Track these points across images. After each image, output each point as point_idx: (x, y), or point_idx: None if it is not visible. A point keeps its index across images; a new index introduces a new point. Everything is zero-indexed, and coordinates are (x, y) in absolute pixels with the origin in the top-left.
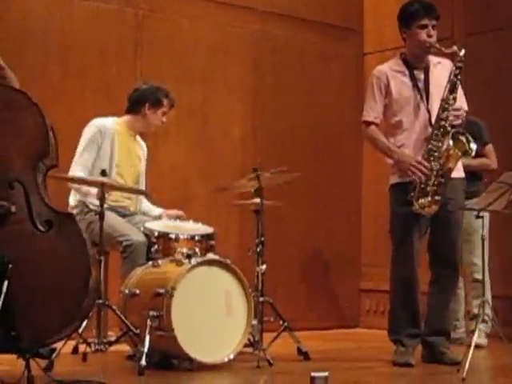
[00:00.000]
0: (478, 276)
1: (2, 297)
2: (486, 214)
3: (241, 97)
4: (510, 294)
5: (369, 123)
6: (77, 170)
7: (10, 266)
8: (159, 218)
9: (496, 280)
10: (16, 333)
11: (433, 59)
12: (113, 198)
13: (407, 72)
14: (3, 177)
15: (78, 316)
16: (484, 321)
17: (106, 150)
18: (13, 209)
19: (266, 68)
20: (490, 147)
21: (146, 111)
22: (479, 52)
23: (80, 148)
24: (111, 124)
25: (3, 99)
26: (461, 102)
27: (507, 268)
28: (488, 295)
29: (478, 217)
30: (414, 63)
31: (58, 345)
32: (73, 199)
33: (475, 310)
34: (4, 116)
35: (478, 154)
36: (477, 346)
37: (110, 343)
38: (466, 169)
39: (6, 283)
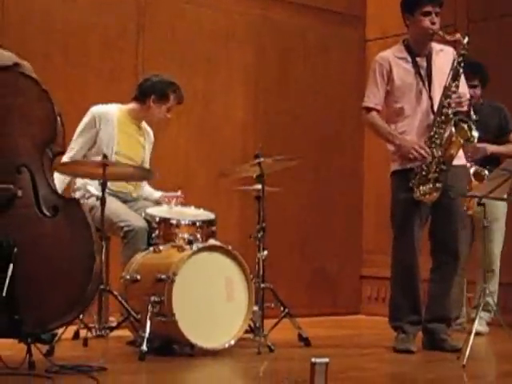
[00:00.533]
0: (495, 266)
1: (8, 280)
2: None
3: (243, 83)
4: None
5: (369, 109)
6: (66, 156)
7: (16, 249)
8: (158, 201)
9: (504, 267)
10: (19, 317)
11: (435, 46)
12: (115, 184)
13: (410, 59)
14: (10, 161)
15: (80, 302)
16: (486, 309)
17: (104, 136)
18: (19, 193)
19: (268, 54)
20: None
21: (150, 103)
22: (482, 39)
23: (75, 134)
24: (113, 111)
25: (12, 84)
26: (463, 89)
27: None
28: (496, 284)
29: (479, 204)
30: (417, 50)
31: (59, 330)
32: (78, 181)
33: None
34: (13, 101)
35: (503, 141)
36: (477, 334)
37: (111, 328)
38: (492, 157)
39: (11, 267)
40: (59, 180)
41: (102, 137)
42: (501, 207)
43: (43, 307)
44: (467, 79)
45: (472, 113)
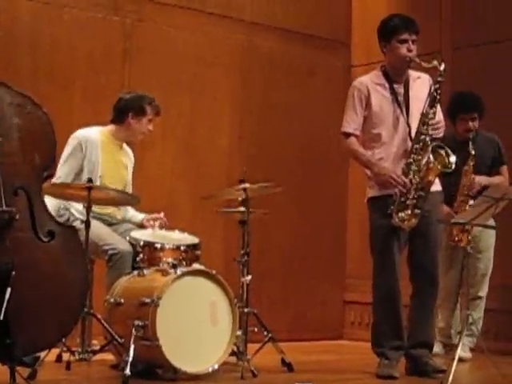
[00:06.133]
0: (481, 293)
1: (5, 304)
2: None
3: (228, 107)
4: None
5: (348, 134)
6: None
7: (14, 273)
8: (141, 224)
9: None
10: (11, 340)
11: (413, 74)
12: (99, 206)
13: (387, 85)
14: (9, 183)
15: (72, 328)
16: (470, 335)
17: (90, 161)
18: (16, 216)
19: (253, 79)
20: (505, 167)
21: (129, 120)
22: (466, 66)
23: (61, 161)
24: (95, 134)
25: (13, 104)
26: (439, 116)
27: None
28: (481, 311)
29: (463, 231)
30: (394, 77)
31: (42, 353)
32: (52, 207)
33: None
34: (13, 122)
35: (494, 173)
36: (460, 360)
37: (94, 352)
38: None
39: (9, 290)
40: (51, 204)
41: (89, 161)
42: (492, 236)
43: (35, 333)
44: (466, 113)
45: (471, 146)
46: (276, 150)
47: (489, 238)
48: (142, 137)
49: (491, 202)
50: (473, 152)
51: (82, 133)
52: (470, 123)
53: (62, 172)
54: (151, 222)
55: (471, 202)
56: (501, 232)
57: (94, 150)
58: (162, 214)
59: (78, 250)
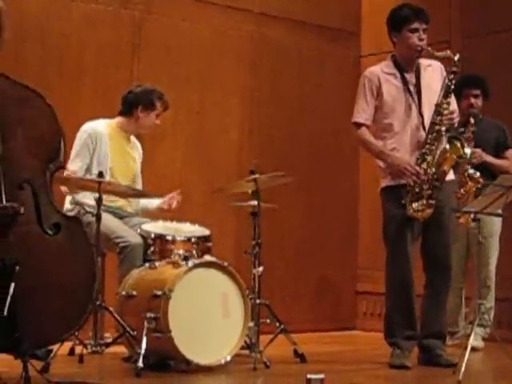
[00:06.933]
0: (489, 282)
1: (9, 299)
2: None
3: (238, 99)
4: None
5: (359, 125)
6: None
7: (18, 268)
8: (160, 208)
9: (499, 283)
10: (19, 334)
11: (423, 62)
12: (109, 199)
13: (398, 75)
14: (13, 177)
15: (80, 322)
16: (481, 325)
17: (100, 153)
18: (21, 210)
19: (263, 70)
20: (510, 151)
21: (138, 114)
22: (476, 55)
23: (72, 155)
24: (102, 126)
25: (18, 97)
26: (453, 106)
27: None
28: (492, 300)
29: (473, 220)
30: (405, 66)
31: (55, 346)
32: (69, 201)
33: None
34: (18, 115)
35: (499, 156)
36: (473, 349)
37: (107, 345)
38: (484, 166)
39: (12, 285)
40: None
41: (98, 154)
42: (497, 223)
43: (43, 325)
44: (469, 88)
45: (472, 121)
46: (286, 142)
47: (493, 225)
48: (148, 131)
49: (502, 190)
50: (472, 121)
51: (91, 125)
52: (473, 99)
53: (77, 166)
54: (169, 201)
55: (471, 170)
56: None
57: (103, 142)
58: (177, 192)
59: (85, 242)
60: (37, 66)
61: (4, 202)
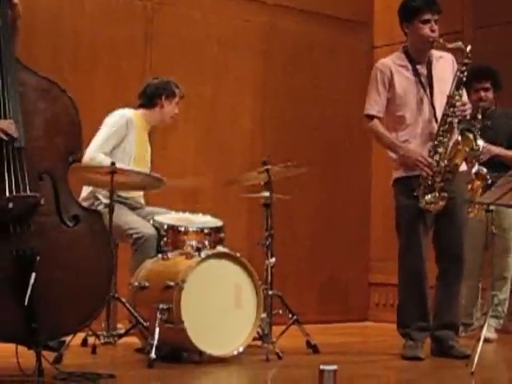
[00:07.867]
0: (506, 274)
1: (30, 288)
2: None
3: (250, 89)
4: None
5: (371, 117)
6: (100, 155)
7: (38, 258)
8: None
9: None
10: (36, 325)
11: (435, 54)
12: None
13: (410, 66)
14: (34, 168)
15: (96, 314)
16: (495, 316)
17: (128, 141)
18: (42, 201)
19: (275, 61)
20: None
21: (163, 102)
22: (488, 46)
23: (104, 135)
24: (131, 115)
25: (38, 89)
26: (465, 97)
27: None
28: (507, 292)
29: (487, 211)
30: (417, 58)
31: (68, 337)
32: (85, 190)
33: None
34: (38, 106)
35: None
36: (486, 340)
37: (120, 336)
38: (496, 159)
39: (33, 275)
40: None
41: (126, 142)
42: None
43: (60, 316)
44: (479, 81)
45: (479, 116)
46: (299, 133)
47: (510, 218)
48: (170, 121)
49: None
50: (479, 116)
51: (127, 113)
52: (482, 93)
53: (108, 145)
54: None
55: (477, 167)
56: None
57: (133, 132)
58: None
59: (103, 235)
60: (50, 58)
61: (28, 191)
